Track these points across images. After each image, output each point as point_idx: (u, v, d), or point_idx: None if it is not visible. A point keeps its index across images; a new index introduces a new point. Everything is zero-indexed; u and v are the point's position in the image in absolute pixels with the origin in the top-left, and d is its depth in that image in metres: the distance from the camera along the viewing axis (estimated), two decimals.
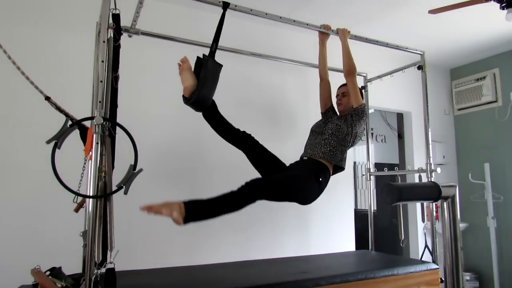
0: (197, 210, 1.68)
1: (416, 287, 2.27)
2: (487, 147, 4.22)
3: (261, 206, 3.20)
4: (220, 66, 1.90)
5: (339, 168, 2.22)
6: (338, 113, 2.44)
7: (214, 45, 1.89)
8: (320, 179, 2.06)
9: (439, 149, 4.37)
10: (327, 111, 2.44)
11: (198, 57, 1.93)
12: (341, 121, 2.21)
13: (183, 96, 1.90)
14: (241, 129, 2.13)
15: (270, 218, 3.17)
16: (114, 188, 1.47)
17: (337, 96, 2.43)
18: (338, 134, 2.16)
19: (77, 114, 1.67)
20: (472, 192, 4.20)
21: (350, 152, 3.72)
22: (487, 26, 3.52)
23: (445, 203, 1.20)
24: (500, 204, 4.04)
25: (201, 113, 2.06)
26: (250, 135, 2.13)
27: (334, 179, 3.59)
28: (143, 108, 2.76)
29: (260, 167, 2.15)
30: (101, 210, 1.42)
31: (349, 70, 2.25)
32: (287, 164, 2.22)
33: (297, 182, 2.00)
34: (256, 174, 2.13)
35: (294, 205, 3.34)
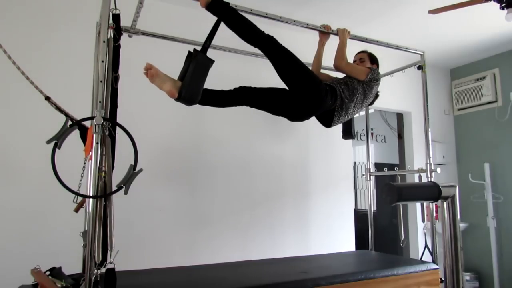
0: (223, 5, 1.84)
1: (416, 287, 2.27)
2: (487, 147, 4.22)
3: (261, 206, 3.22)
4: (211, 61, 1.86)
5: (331, 115, 2.19)
6: None
7: (208, 42, 1.88)
8: (327, 88, 2.08)
9: (439, 149, 4.37)
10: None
11: (189, 51, 1.89)
12: (355, 78, 2.24)
13: None
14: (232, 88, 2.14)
15: (270, 218, 3.17)
16: (114, 188, 1.47)
17: (354, 61, 2.48)
18: (349, 84, 2.20)
19: (77, 114, 1.67)
20: (472, 192, 4.20)
21: (350, 152, 3.74)
22: (487, 26, 3.52)
23: (445, 203, 1.20)
24: (500, 204, 4.04)
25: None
26: (242, 87, 2.13)
27: (334, 179, 3.61)
28: (143, 108, 2.76)
29: (270, 108, 2.18)
30: (101, 210, 1.42)
31: (336, 64, 2.28)
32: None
33: (309, 71, 2.04)
34: None
35: (294, 205, 3.36)
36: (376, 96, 2.41)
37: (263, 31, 1.93)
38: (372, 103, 2.46)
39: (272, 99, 2.14)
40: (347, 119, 2.32)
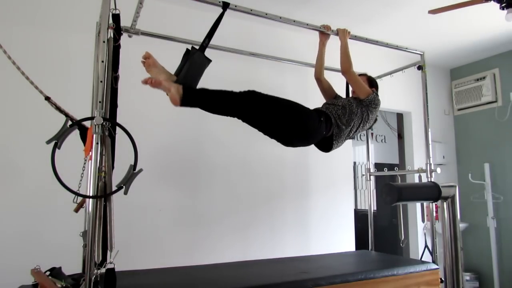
0: (194, 96, 1.74)
1: (416, 287, 2.27)
2: (487, 147, 4.22)
3: (261, 206, 3.22)
4: (209, 60, 1.86)
5: (330, 141, 2.11)
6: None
7: (207, 41, 1.86)
8: (321, 119, 2.01)
9: (439, 149, 4.37)
10: (335, 98, 2.43)
11: (187, 49, 1.89)
12: (354, 100, 2.18)
13: None
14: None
15: (270, 218, 3.17)
16: (114, 188, 1.47)
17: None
18: (347, 108, 2.12)
19: (77, 114, 1.67)
20: (472, 192, 4.20)
21: (350, 152, 3.74)
22: (487, 26, 3.52)
23: (445, 203, 1.20)
24: (500, 204, 4.04)
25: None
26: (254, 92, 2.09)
27: (334, 179, 3.61)
28: (143, 108, 2.76)
29: (260, 126, 2.04)
30: (101, 210, 1.42)
31: (345, 67, 2.25)
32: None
33: (297, 108, 1.95)
34: None
35: (294, 205, 3.36)
36: (375, 120, 2.33)
37: (241, 91, 1.84)
38: (371, 127, 2.40)
39: (265, 121, 2.03)
40: (346, 141, 2.26)
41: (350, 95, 2.46)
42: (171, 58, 3.03)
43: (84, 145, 1.54)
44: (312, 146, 2.22)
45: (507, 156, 4.04)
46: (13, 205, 2.32)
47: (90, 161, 1.44)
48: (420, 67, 2.74)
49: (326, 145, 2.15)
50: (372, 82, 2.37)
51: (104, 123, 1.46)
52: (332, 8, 3.11)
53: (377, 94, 2.26)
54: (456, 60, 4.42)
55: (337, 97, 2.46)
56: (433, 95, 4.15)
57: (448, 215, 1.19)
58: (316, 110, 2.10)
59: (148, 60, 1.81)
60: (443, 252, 1.22)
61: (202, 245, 2.88)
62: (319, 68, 2.45)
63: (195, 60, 1.81)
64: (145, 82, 1.71)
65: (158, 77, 1.77)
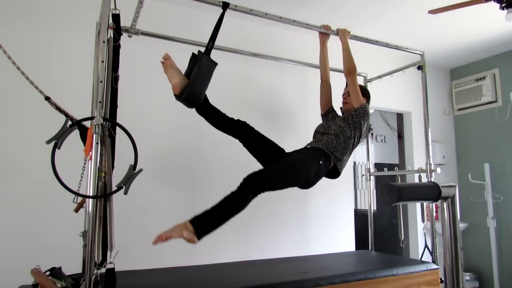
0: (204, 223, 1.67)
1: (416, 287, 2.27)
2: (487, 147, 4.22)
3: (261, 206, 3.21)
4: (215, 64, 1.88)
5: (336, 170, 2.16)
6: (341, 115, 2.41)
7: (211, 43, 1.88)
8: (320, 162, 2.02)
9: (439, 149, 4.37)
10: (327, 113, 2.42)
11: (193, 53, 1.91)
12: (345, 123, 2.18)
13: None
14: (236, 118, 2.10)
15: (270, 218, 3.17)
16: (114, 188, 1.47)
17: (343, 95, 2.39)
18: (341, 136, 2.13)
19: (77, 114, 1.67)
20: (472, 192, 4.20)
21: None
22: (487, 26, 3.52)
23: (445, 203, 1.20)
24: (500, 204, 4.04)
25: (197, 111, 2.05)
26: (245, 122, 2.10)
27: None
28: (143, 108, 2.76)
29: (258, 155, 2.12)
30: (101, 210, 1.42)
31: (349, 69, 2.24)
32: (287, 151, 2.18)
33: (296, 164, 1.96)
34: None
35: (294, 205, 3.36)
36: (369, 130, 2.35)
37: (237, 188, 1.76)
38: (365, 136, 2.41)
39: (267, 154, 2.10)
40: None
41: (335, 108, 2.44)
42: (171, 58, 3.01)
43: (84, 145, 1.54)
44: None
45: (507, 156, 4.04)
46: (13, 205, 2.31)
47: (90, 161, 1.44)
48: (420, 67, 2.74)
49: (334, 174, 2.19)
50: (364, 91, 2.35)
51: (104, 123, 1.45)
52: (332, 8, 3.11)
53: (368, 104, 2.29)
54: (456, 60, 4.42)
55: (329, 115, 2.41)
56: (433, 95, 4.16)
57: (448, 215, 1.19)
58: (313, 154, 2.07)
59: (167, 62, 1.86)
60: (443, 252, 1.22)
61: (202, 245, 2.85)
62: (323, 68, 2.44)
63: (203, 63, 1.84)
64: (157, 240, 1.63)
65: (171, 79, 1.83)
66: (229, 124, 2.07)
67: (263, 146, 2.11)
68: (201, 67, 1.82)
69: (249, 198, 1.74)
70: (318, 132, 2.30)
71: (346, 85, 2.37)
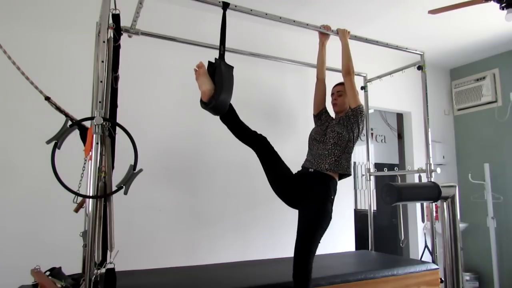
0: None
1: (416, 287, 2.27)
2: (487, 147, 4.22)
3: (261, 206, 3.22)
4: (232, 68, 1.92)
5: (345, 175, 2.19)
6: (333, 116, 2.36)
7: (222, 48, 1.91)
8: (332, 197, 2.06)
9: (439, 149, 4.37)
10: (320, 114, 2.37)
11: (209, 62, 1.95)
12: (341, 127, 2.14)
13: (200, 100, 1.90)
14: (258, 132, 2.14)
15: (270, 218, 3.17)
16: (114, 188, 1.47)
17: (332, 95, 2.35)
18: (340, 143, 2.11)
19: (77, 114, 1.67)
20: (472, 192, 4.20)
21: None
22: (487, 26, 3.52)
23: (445, 203, 1.20)
24: (500, 204, 4.04)
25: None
26: (265, 139, 2.12)
27: None
28: (143, 108, 2.76)
29: (268, 169, 2.14)
30: (101, 210, 1.42)
31: (347, 69, 2.23)
32: (294, 172, 2.20)
33: (318, 220, 2.05)
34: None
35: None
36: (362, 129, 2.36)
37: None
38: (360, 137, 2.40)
39: (276, 172, 2.13)
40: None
41: (328, 109, 2.40)
42: (171, 58, 3.05)
43: (84, 145, 1.54)
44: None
45: (507, 156, 4.04)
46: (13, 205, 2.31)
47: (90, 161, 1.44)
48: (420, 67, 2.74)
49: (344, 177, 2.23)
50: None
51: (104, 123, 1.46)
52: (332, 8, 3.11)
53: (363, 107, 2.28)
54: (456, 60, 4.42)
55: (322, 116, 2.37)
56: (433, 95, 4.16)
57: (448, 215, 1.19)
58: (325, 194, 2.07)
59: (200, 70, 1.90)
60: (443, 252, 1.22)
61: (202, 245, 2.87)
62: (320, 68, 2.43)
63: (223, 70, 1.87)
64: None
65: (203, 87, 1.88)
66: (250, 137, 2.10)
67: (275, 165, 2.14)
68: (222, 74, 1.86)
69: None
70: (314, 140, 2.25)
71: (336, 85, 2.36)
